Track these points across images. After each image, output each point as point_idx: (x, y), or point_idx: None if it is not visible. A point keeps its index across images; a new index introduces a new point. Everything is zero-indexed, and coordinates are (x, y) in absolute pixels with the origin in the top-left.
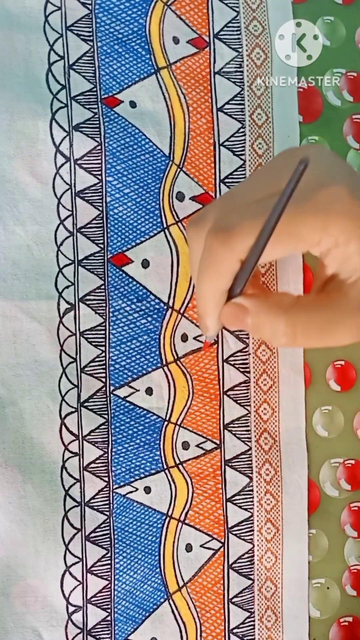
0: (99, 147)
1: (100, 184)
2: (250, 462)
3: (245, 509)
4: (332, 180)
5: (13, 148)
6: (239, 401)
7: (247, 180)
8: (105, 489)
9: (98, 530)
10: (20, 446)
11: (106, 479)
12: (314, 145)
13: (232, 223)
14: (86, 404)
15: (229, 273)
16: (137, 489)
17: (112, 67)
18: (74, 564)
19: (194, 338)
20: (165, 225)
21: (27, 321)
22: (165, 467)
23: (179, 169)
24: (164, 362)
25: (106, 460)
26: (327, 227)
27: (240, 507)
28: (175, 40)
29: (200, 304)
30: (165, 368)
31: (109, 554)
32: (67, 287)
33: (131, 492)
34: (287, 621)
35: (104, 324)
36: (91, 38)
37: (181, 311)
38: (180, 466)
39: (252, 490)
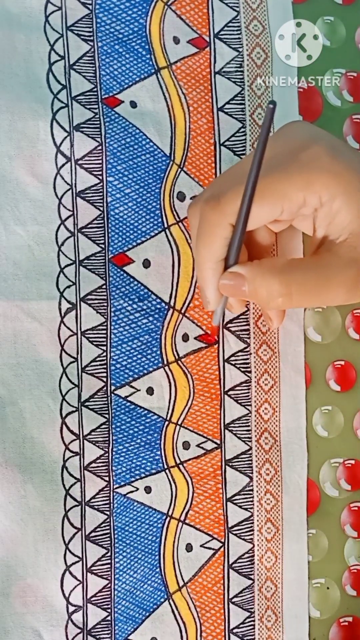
0: (100, 147)
1: (101, 184)
2: (250, 462)
3: (246, 509)
4: (313, 141)
5: (14, 148)
6: (239, 401)
7: (239, 161)
8: (105, 489)
9: (98, 529)
10: (21, 446)
11: (107, 478)
12: (299, 120)
13: (221, 190)
14: (87, 404)
15: (222, 237)
16: (137, 489)
17: (112, 67)
18: (74, 564)
19: (195, 338)
20: (166, 225)
21: (28, 321)
22: (165, 466)
23: (179, 169)
24: (165, 362)
25: (107, 460)
26: (310, 184)
27: (240, 507)
28: (176, 40)
29: (199, 275)
30: (166, 368)
31: (109, 554)
32: (68, 287)
33: (131, 491)
34: (287, 621)
35: (105, 324)
36: (91, 38)
37: (182, 311)
38: (180, 466)
39: (252, 490)
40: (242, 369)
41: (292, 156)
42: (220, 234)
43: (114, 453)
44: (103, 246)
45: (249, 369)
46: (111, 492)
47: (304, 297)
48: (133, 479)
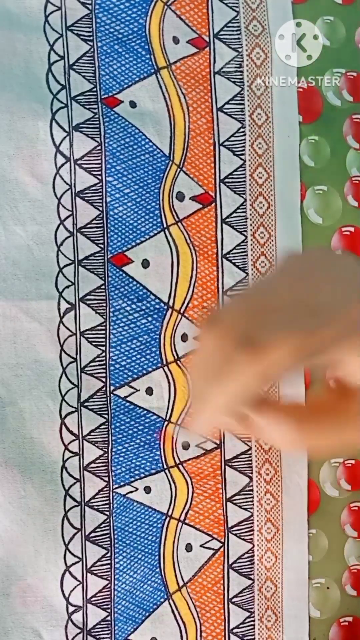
0: (99, 147)
1: (100, 184)
2: (250, 462)
3: (245, 509)
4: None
5: (13, 148)
6: None
7: (273, 289)
8: (105, 489)
9: (98, 530)
10: (20, 446)
11: (106, 478)
12: (319, 248)
13: (262, 339)
14: (86, 404)
15: (247, 385)
16: (137, 489)
17: (112, 67)
18: (73, 564)
19: (194, 338)
20: (165, 225)
21: (27, 321)
22: (165, 466)
23: (179, 169)
24: (164, 362)
25: (106, 460)
26: (353, 347)
27: (240, 507)
28: (175, 40)
29: (199, 405)
30: (166, 368)
31: (108, 554)
32: (68, 287)
33: (131, 492)
34: (287, 621)
35: (104, 324)
36: (91, 38)
37: (181, 311)
38: (180, 466)
39: (252, 490)
40: None
41: (347, 314)
42: (246, 382)
43: (113, 453)
44: (102, 246)
45: None
46: (111, 492)
47: (317, 446)
48: (133, 479)
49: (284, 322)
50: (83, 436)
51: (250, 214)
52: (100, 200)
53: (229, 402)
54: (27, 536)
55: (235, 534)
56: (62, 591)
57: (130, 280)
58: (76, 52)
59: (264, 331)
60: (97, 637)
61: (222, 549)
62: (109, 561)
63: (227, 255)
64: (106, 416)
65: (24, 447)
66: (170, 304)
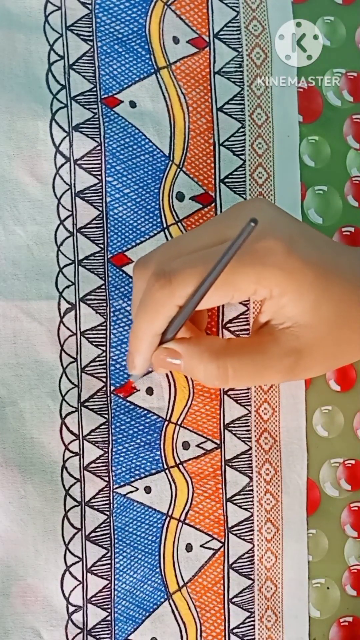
0: (99, 148)
1: (100, 184)
2: (250, 462)
3: (245, 509)
4: (271, 233)
5: (13, 148)
6: (239, 401)
7: (194, 229)
8: (105, 489)
9: (98, 530)
10: (21, 446)
11: (106, 478)
12: (261, 199)
13: (173, 269)
14: (87, 404)
15: (166, 317)
16: (137, 489)
17: (112, 67)
18: (74, 564)
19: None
20: (165, 226)
21: (28, 321)
22: (165, 467)
23: (178, 169)
24: None
25: (106, 460)
26: (262, 279)
27: (240, 507)
28: (175, 40)
29: (133, 342)
30: None
31: (109, 554)
32: (68, 287)
33: (131, 491)
34: (287, 621)
35: (104, 324)
36: (91, 38)
37: None
38: (180, 466)
39: (252, 490)
40: None
41: (248, 246)
42: (165, 313)
43: (113, 453)
44: (102, 246)
45: None
46: (111, 492)
47: (240, 381)
48: (133, 479)
49: (195, 256)
50: (83, 436)
51: None
52: (100, 201)
53: (152, 331)
54: (27, 536)
55: (235, 534)
56: (62, 591)
57: (131, 280)
58: (76, 52)
59: (176, 262)
60: (97, 637)
61: (222, 549)
62: (109, 561)
63: None
64: (106, 416)
65: (24, 447)
66: None
